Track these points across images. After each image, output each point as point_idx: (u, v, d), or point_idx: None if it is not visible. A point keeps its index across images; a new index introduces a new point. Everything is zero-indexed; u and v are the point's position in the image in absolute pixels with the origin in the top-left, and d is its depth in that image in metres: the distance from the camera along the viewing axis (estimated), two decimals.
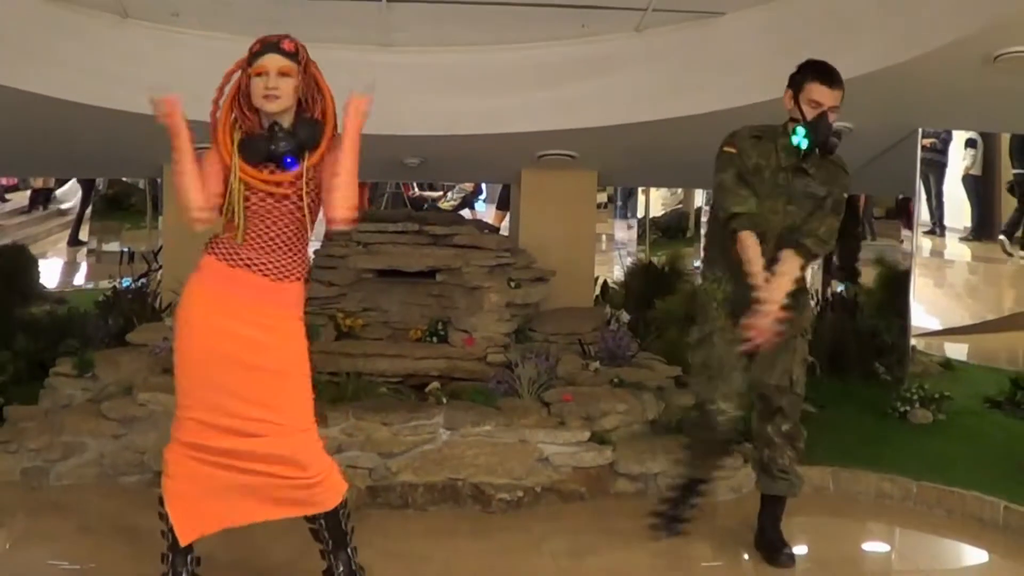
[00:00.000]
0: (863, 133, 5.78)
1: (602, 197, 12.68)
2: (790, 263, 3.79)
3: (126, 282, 7.35)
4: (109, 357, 5.24)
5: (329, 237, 5.65)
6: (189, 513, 3.28)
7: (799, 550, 4.27)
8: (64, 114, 5.19)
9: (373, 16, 5.05)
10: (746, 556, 4.10)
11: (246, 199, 3.18)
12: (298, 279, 3.32)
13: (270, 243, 3.24)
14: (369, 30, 5.21)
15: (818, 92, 3.78)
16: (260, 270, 3.24)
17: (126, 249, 9.42)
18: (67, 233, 12.09)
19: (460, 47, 5.39)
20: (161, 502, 3.33)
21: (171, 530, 3.30)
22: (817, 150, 3.80)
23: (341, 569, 3.41)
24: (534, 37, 5.34)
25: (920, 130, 5.98)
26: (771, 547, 4.02)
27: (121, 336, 5.70)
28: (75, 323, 6.55)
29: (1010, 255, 8.38)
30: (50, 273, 9.94)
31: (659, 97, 5.32)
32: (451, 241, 5.71)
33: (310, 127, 3.21)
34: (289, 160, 3.17)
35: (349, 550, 3.42)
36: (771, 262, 3.83)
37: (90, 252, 11.41)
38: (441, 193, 13.60)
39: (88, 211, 11.66)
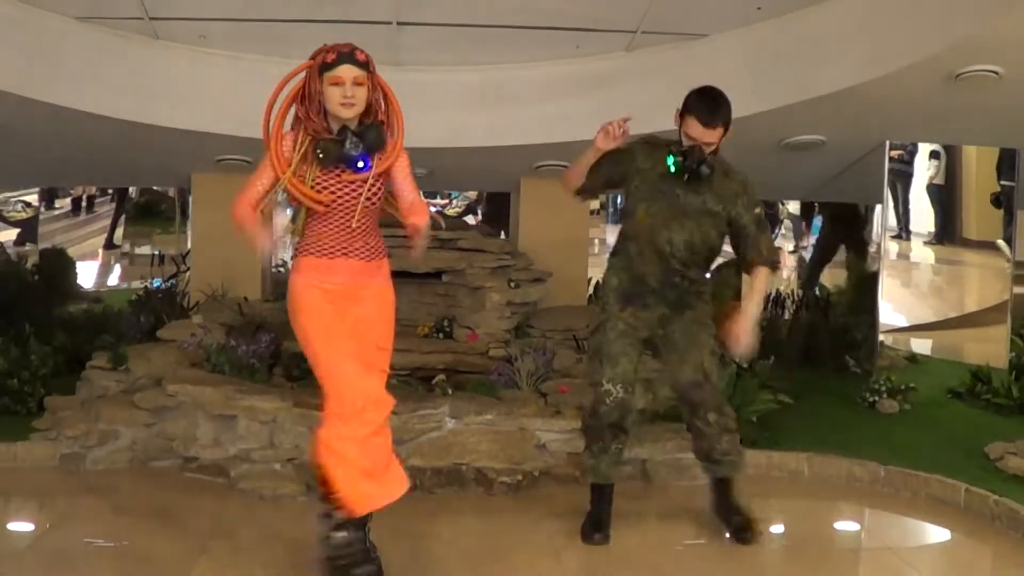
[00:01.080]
0: (835, 145, 5.80)
1: (595, 204, 12.68)
2: (763, 280, 3.83)
3: (157, 282, 7.35)
4: (141, 352, 5.24)
5: None
6: (357, 490, 3.28)
7: (776, 529, 4.27)
8: (99, 128, 5.19)
9: (384, 37, 5.05)
10: (727, 534, 4.10)
11: (334, 200, 3.23)
12: (384, 256, 3.45)
13: (357, 230, 3.30)
14: (380, 50, 5.18)
15: (694, 129, 3.71)
16: (356, 255, 3.32)
17: (157, 252, 9.43)
18: (103, 237, 12.09)
19: (465, 66, 5.39)
20: (324, 483, 3.29)
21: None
22: (687, 179, 3.75)
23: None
24: (532, 57, 5.34)
25: (888, 143, 5.98)
26: (727, 515, 4.04)
27: (152, 332, 5.70)
28: (110, 320, 6.55)
29: (1009, 261, 8.42)
30: (87, 274, 9.94)
31: (647, 112, 5.29)
32: (456, 245, 5.70)
33: (376, 131, 3.25)
34: (361, 162, 3.22)
35: (367, 527, 3.43)
36: (670, 271, 3.85)
37: (124, 255, 11.41)
38: (447, 201, 13.60)
39: (122, 217, 11.66)
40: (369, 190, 3.28)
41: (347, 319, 3.31)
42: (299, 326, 3.33)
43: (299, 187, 3.20)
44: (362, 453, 3.23)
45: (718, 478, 4.07)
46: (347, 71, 3.15)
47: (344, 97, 3.16)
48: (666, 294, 3.92)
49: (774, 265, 3.84)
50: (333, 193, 3.23)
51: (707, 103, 3.73)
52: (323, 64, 3.16)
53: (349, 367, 3.26)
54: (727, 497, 4.08)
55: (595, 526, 3.98)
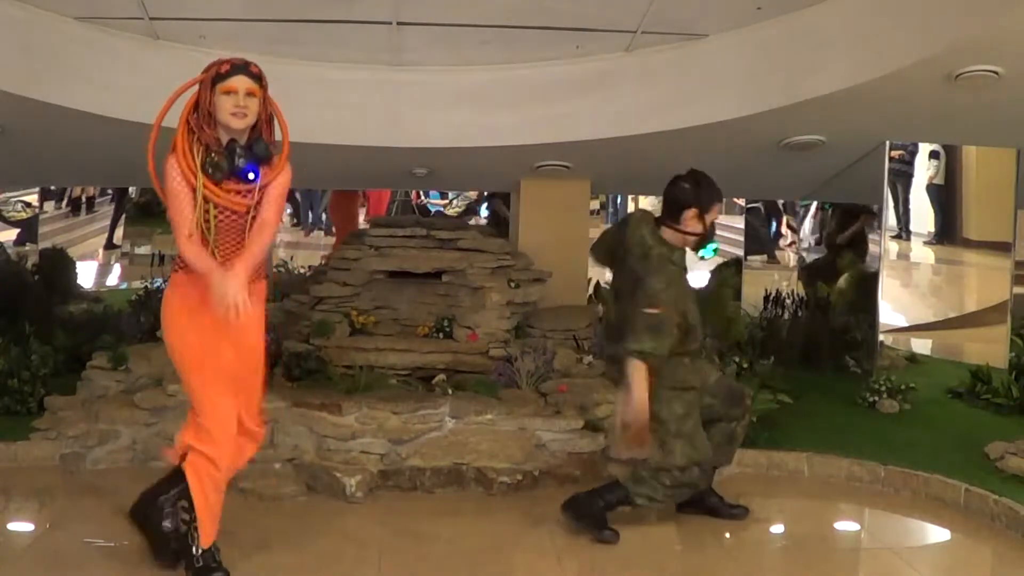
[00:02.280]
0: (835, 146, 5.80)
1: (595, 204, 12.67)
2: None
3: (157, 282, 7.35)
4: (141, 351, 5.24)
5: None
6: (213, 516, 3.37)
7: (776, 529, 4.28)
8: (99, 128, 5.19)
9: (384, 38, 5.05)
10: (727, 535, 4.10)
11: (215, 216, 3.19)
12: (262, 278, 3.43)
13: (238, 250, 3.25)
14: (380, 51, 5.21)
15: (716, 214, 3.98)
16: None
17: (157, 252, 9.42)
18: (103, 237, 12.08)
19: (465, 67, 5.38)
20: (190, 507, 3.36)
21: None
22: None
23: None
24: (532, 57, 5.34)
25: (888, 143, 5.98)
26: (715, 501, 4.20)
27: (152, 332, 5.70)
28: (110, 320, 6.55)
29: None
30: (87, 274, 9.93)
31: (648, 112, 5.32)
32: (456, 245, 5.70)
33: (265, 145, 3.25)
34: (252, 173, 3.20)
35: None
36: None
37: (124, 255, 11.41)
38: (447, 201, 13.60)
39: (122, 217, 11.65)
40: (256, 203, 3.24)
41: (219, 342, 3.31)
42: (169, 346, 3.35)
43: (215, 190, 3.17)
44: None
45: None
46: (240, 81, 3.17)
47: (236, 107, 3.16)
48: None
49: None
50: (222, 210, 3.20)
51: (718, 190, 3.97)
52: (216, 75, 3.17)
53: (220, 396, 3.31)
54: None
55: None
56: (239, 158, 3.18)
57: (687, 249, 3.98)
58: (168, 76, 5.06)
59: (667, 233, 3.92)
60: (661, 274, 3.82)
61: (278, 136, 3.33)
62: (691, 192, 3.90)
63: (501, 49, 5.24)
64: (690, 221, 3.90)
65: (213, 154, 3.16)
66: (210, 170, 3.15)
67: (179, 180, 3.16)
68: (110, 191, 12.06)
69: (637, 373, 3.74)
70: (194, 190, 3.15)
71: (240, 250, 3.24)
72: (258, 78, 3.20)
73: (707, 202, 3.90)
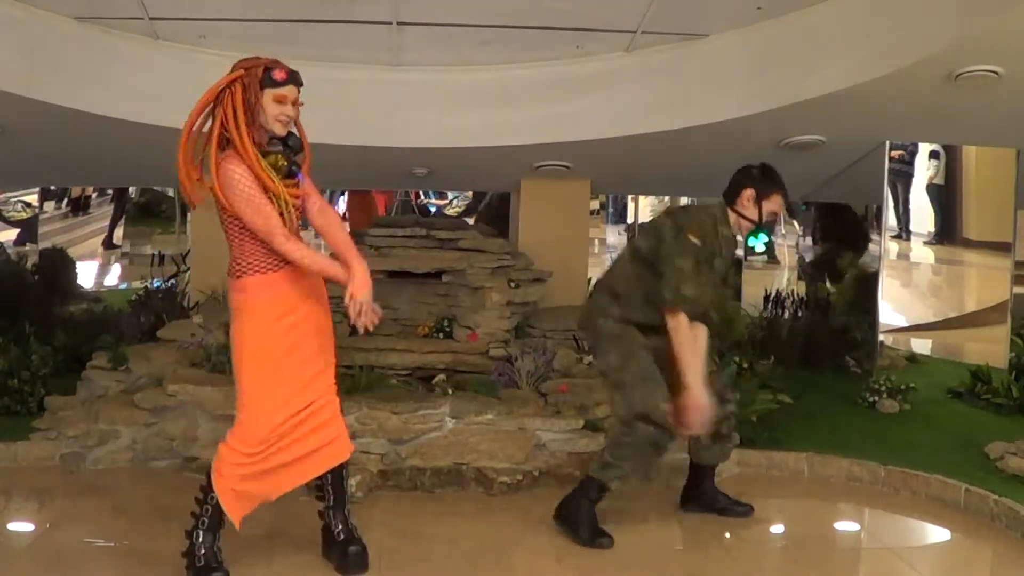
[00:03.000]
0: (835, 146, 5.80)
1: (595, 204, 12.68)
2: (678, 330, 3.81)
3: (157, 283, 7.35)
4: (141, 352, 5.25)
5: None
6: (239, 501, 3.35)
7: (776, 529, 4.28)
8: (100, 128, 5.19)
9: (384, 37, 5.06)
10: (727, 535, 4.10)
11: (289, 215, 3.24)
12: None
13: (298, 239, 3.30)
14: (380, 51, 5.21)
15: (778, 204, 3.89)
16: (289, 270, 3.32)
17: (157, 252, 9.43)
18: (103, 237, 12.08)
19: (465, 66, 5.39)
20: (204, 489, 3.35)
21: (213, 511, 3.32)
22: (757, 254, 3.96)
23: (340, 526, 3.51)
24: (533, 57, 5.34)
25: (888, 143, 5.98)
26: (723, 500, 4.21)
27: (152, 332, 5.71)
28: (110, 320, 6.55)
29: None
30: (87, 274, 9.94)
31: (648, 112, 5.32)
32: (456, 245, 5.71)
33: (297, 138, 3.29)
34: (299, 171, 3.29)
35: (346, 510, 3.53)
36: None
37: (124, 255, 11.41)
38: (447, 201, 13.60)
39: (122, 217, 11.65)
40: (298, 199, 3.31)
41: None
42: (240, 344, 3.30)
43: (288, 191, 3.20)
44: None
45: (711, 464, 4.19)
46: (292, 92, 3.20)
47: (285, 115, 3.19)
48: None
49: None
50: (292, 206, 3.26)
51: (780, 179, 3.90)
52: (268, 79, 3.16)
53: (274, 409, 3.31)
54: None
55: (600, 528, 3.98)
56: (292, 158, 3.23)
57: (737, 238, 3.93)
58: (168, 76, 5.11)
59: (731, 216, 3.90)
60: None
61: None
62: (755, 175, 3.88)
63: (501, 49, 5.24)
64: (746, 203, 3.87)
65: (272, 155, 3.19)
66: (269, 172, 3.17)
67: (251, 184, 3.13)
68: (109, 191, 12.07)
69: (681, 329, 3.71)
70: (267, 192, 3.15)
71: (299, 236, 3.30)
72: (300, 87, 3.24)
73: (766, 188, 3.86)
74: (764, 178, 3.88)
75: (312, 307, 3.37)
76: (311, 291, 3.36)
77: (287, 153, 3.23)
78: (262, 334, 3.26)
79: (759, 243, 3.81)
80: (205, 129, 3.20)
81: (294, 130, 3.28)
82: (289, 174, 3.24)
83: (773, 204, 3.87)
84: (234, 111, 3.13)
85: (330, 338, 3.47)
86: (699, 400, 3.73)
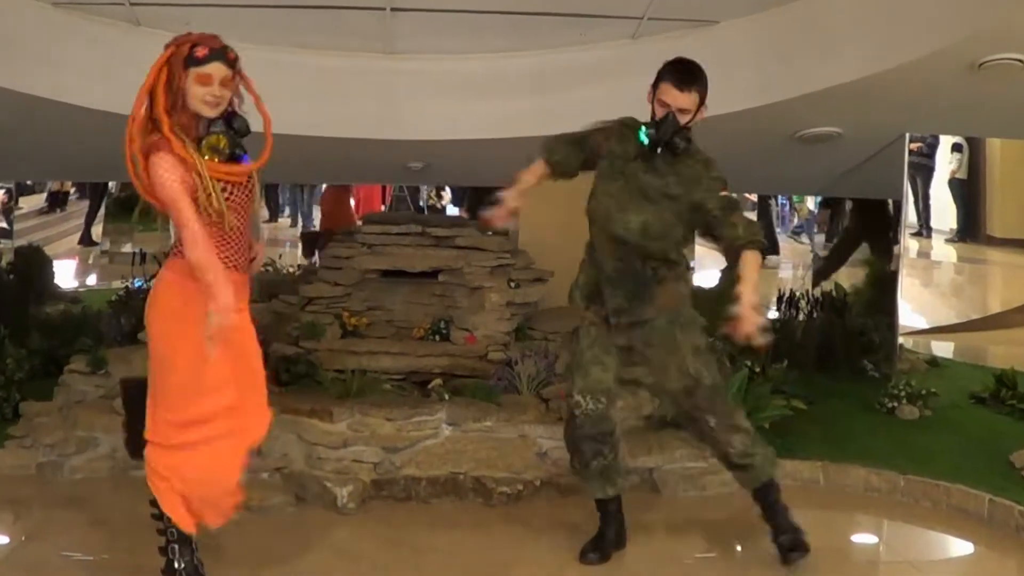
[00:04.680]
0: (851, 138, 5.80)
1: None
2: (752, 263, 3.59)
3: (138, 282, 7.34)
4: (121, 355, 5.24)
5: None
6: (185, 506, 3.32)
7: (794, 533, 4.27)
8: (78, 119, 5.19)
9: (378, 25, 5.05)
10: (738, 547, 4.10)
11: (223, 198, 3.14)
12: (247, 269, 3.37)
13: (239, 238, 3.24)
14: (374, 38, 5.21)
15: (667, 93, 3.66)
16: (235, 266, 3.25)
17: (138, 250, 9.42)
18: (80, 234, 12.08)
19: (462, 55, 5.39)
20: (155, 503, 3.35)
21: (174, 525, 3.31)
22: (660, 149, 3.68)
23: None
24: (534, 45, 5.34)
25: (908, 135, 5.98)
26: (783, 538, 3.83)
27: (133, 335, 5.70)
28: (88, 322, 6.55)
29: None
30: (64, 273, 9.93)
31: None
32: (453, 242, 5.70)
33: (244, 120, 3.22)
34: (244, 154, 3.21)
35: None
36: (627, 258, 3.75)
37: (103, 253, 11.40)
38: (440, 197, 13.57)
39: (97, 212, 11.64)
40: (252, 186, 3.25)
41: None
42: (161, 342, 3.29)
43: (220, 168, 3.12)
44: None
45: (755, 489, 3.89)
46: (217, 70, 3.11)
47: (212, 96, 3.11)
48: (624, 283, 3.79)
49: (756, 244, 3.62)
50: (225, 190, 3.17)
51: (679, 66, 3.70)
52: (191, 58, 3.10)
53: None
54: (772, 508, 3.87)
55: (593, 544, 3.94)
56: (236, 137, 3.16)
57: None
58: (150, 65, 5.10)
59: None
60: None
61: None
62: (661, 68, 3.72)
63: (500, 36, 5.24)
64: (648, 99, 3.75)
65: (212, 136, 3.11)
66: (208, 154, 3.10)
67: (171, 175, 3.04)
68: (80, 185, 12.06)
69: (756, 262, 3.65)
70: (193, 178, 3.06)
71: (240, 234, 3.22)
72: (233, 64, 3.16)
73: (658, 77, 3.71)
74: (663, 67, 3.71)
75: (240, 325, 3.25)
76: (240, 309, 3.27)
77: (230, 135, 3.15)
78: (183, 320, 3.20)
79: (642, 135, 3.67)
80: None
81: (250, 115, 3.22)
82: (231, 157, 3.16)
83: (661, 93, 3.67)
84: (155, 94, 3.10)
85: (254, 373, 3.38)
86: None
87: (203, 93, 3.11)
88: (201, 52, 3.10)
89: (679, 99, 3.66)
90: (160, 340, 3.27)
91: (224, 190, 3.14)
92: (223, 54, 3.13)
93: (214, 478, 3.30)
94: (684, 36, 5.24)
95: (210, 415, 3.25)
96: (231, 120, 3.19)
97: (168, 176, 3.06)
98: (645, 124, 3.72)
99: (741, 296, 3.48)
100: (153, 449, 3.29)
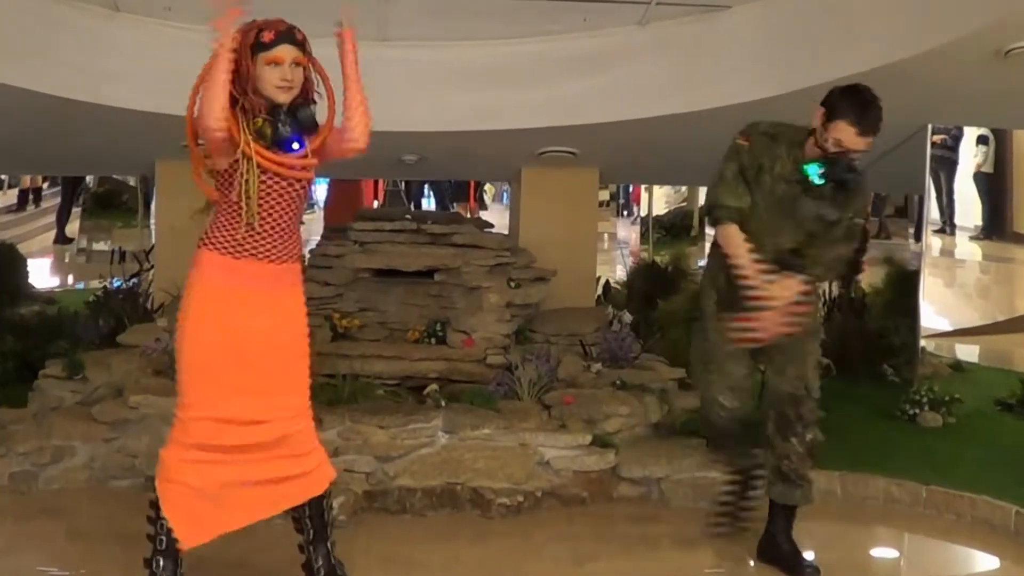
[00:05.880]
0: None
1: (604, 195, 12.68)
2: (792, 282, 3.72)
3: (117, 282, 7.35)
4: (99, 359, 5.25)
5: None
6: (191, 517, 3.30)
7: (807, 556, 4.28)
8: (53, 110, 5.19)
9: (370, 10, 5.05)
10: (751, 563, 4.11)
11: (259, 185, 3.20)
12: (298, 259, 3.41)
13: (274, 227, 3.27)
14: (365, 24, 5.19)
15: (846, 135, 3.58)
16: (267, 257, 3.28)
17: (117, 248, 9.42)
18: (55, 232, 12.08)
19: (458, 41, 5.39)
20: (154, 506, 3.33)
21: (167, 534, 3.30)
22: (828, 186, 3.69)
23: (320, 562, 3.46)
24: (534, 31, 5.34)
25: (930, 126, 5.99)
26: (791, 559, 3.94)
27: (112, 337, 5.70)
28: (65, 324, 6.54)
29: None
30: (39, 272, 9.94)
31: (663, 93, 5.32)
32: (450, 240, 5.71)
33: (311, 112, 3.27)
34: (296, 143, 3.23)
35: (329, 543, 3.48)
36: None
37: (80, 251, 11.41)
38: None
39: (74, 208, 11.65)
40: (305, 177, 3.30)
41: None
42: (183, 336, 3.30)
43: (267, 154, 3.17)
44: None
45: (785, 504, 3.98)
46: (287, 51, 3.18)
47: (283, 80, 3.18)
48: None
49: (815, 282, 3.84)
50: (266, 178, 3.22)
51: (862, 106, 3.59)
52: (258, 44, 3.17)
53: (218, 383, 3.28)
54: (789, 530, 4.00)
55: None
56: (283, 126, 3.20)
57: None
58: (130, 52, 5.11)
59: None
60: None
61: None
62: (834, 94, 3.64)
63: (499, 23, 5.25)
64: (816, 122, 3.67)
65: (258, 120, 3.17)
66: (253, 135, 3.15)
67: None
68: (57, 181, 12.06)
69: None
70: (238, 152, 3.14)
71: (276, 224, 3.25)
72: (303, 45, 3.23)
73: (835, 109, 3.60)
74: (841, 97, 3.61)
75: (275, 321, 3.31)
76: (278, 302, 3.33)
77: (275, 120, 3.18)
78: (205, 318, 3.24)
79: (812, 173, 3.64)
80: None
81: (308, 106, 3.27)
82: (279, 143, 3.20)
83: (839, 131, 3.58)
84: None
85: (301, 359, 3.42)
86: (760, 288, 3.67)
87: (275, 78, 3.17)
88: (268, 36, 3.18)
89: (858, 144, 3.63)
90: (179, 337, 3.32)
91: (264, 173, 3.19)
92: (291, 35, 3.20)
93: (231, 520, 3.38)
94: (695, 22, 5.25)
95: (240, 440, 3.30)
96: (296, 110, 3.24)
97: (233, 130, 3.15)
98: (816, 160, 3.68)
99: (777, 285, 3.67)
100: (170, 450, 3.31)
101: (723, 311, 3.90)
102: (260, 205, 3.22)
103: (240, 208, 3.20)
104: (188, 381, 3.29)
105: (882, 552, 4.50)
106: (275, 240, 3.29)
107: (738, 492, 4.23)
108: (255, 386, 3.29)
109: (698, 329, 4.06)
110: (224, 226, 3.26)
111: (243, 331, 3.26)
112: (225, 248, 3.26)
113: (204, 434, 3.26)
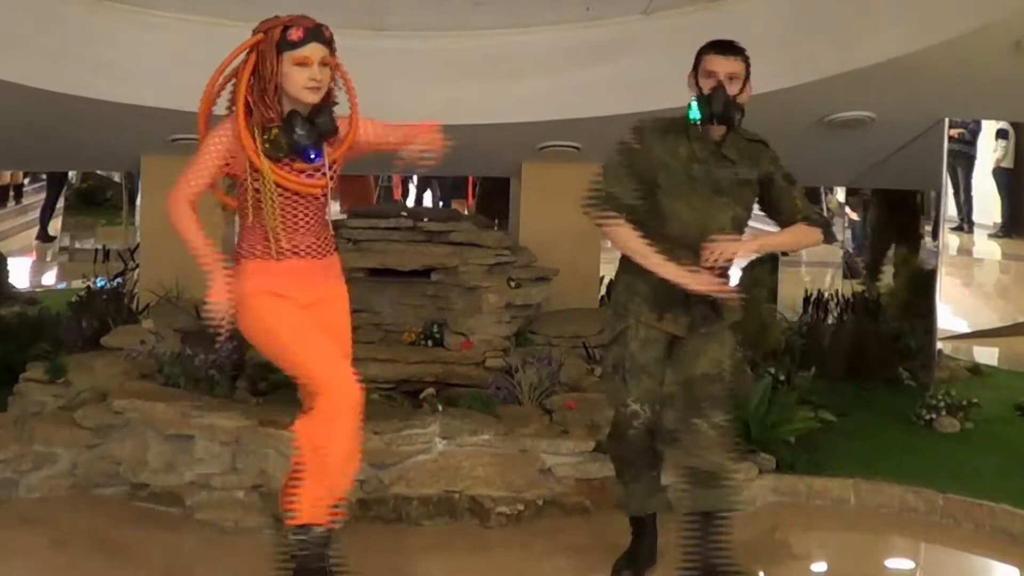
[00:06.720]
0: (885, 123, 5.81)
1: None
2: (805, 233, 3.80)
3: (101, 282, 7.35)
4: (83, 362, 5.25)
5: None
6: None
7: (818, 567, 4.29)
8: (35, 103, 5.20)
9: None
10: (761, 574, 4.11)
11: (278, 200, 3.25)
12: (336, 251, 3.52)
13: (308, 228, 3.34)
14: (361, 13, 5.22)
15: (712, 62, 3.72)
16: (308, 253, 3.36)
17: (101, 247, 9.43)
18: (37, 230, 12.10)
19: (456, 32, 5.40)
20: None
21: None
22: (715, 122, 3.71)
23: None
24: (535, 21, 5.35)
25: (947, 120, 5.99)
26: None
27: (96, 339, 5.70)
28: (47, 325, 6.55)
29: None
30: (20, 272, 9.95)
31: (669, 84, 5.28)
32: (447, 238, 5.71)
33: (331, 117, 3.28)
34: (313, 152, 3.24)
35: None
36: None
37: (63, 250, 11.41)
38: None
39: (58, 205, 11.66)
40: (323, 185, 3.33)
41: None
42: (257, 329, 3.37)
43: (286, 176, 3.21)
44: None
45: (705, 511, 3.69)
46: (315, 50, 3.18)
47: (312, 80, 3.17)
48: (704, 298, 3.77)
49: (815, 221, 3.81)
50: (282, 193, 3.26)
51: (719, 40, 3.80)
52: (284, 42, 3.15)
53: (331, 356, 3.36)
54: (715, 539, 3.69)
55: (627, 562, 3.95)
56: (300, 133, 3.19)
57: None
58: (113, 43, 5.11)
59: None
60: None
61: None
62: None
63: (499, 12, 5.25)
64: (690, 80, 3.83)
65: (273, 129, 3.16)
66: (267, 147, 3.16)
67: (215, 140, 3.18)
68: (43, 177, 12.06)
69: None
70: (251, 172, 3.19)
71: (306, 224, 3.32)
72: (330, 43, 3.23)
73: (700, 51, 3.80)
74: (701, 48, 3.80)
75: (332, 294, 3.49)
76: (332, 292, 3.49)
77: (290, 128, 3.18)
78: (270, 308, 3.32)
79: (693, 112, 3.74)
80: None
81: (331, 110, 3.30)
82: (295, 152, 3.21)
83: (705, 64, 3.75)
84: (240, 80, 3.18)
85: (345, 339, 3.57)
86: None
87: (304, 78, 3.17)
88: (295, 34, 3.16)
89: (726, 64, 3.74)
90: (264, 339, 3.43)
91: (279, 186, 3.23)
92: (320, 33, 3.20)
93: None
94: (702, 11, 5.26)
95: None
96: (315, 116, 3.24)
97: (212, 140, 3.19)
98: (695, 98, 3.77)
99: (751, 243, 3.84)
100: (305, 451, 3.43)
101: (660, 312, 3.82)
102: (285, 214, 3.27)
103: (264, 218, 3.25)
104: (301, 360, 3.36)
105: (897, 563, 4.51)
106: (310, 238, 3.37)
107: (639, 534, 4.01)
108: (346, 351, 3.47)
109: (613, 334, 3.92)
110: (256, 235, 3.31)
111: (313, 306, 3.37)
112: (267, 254, 3.30)
113: (344, 405, 3.36)
